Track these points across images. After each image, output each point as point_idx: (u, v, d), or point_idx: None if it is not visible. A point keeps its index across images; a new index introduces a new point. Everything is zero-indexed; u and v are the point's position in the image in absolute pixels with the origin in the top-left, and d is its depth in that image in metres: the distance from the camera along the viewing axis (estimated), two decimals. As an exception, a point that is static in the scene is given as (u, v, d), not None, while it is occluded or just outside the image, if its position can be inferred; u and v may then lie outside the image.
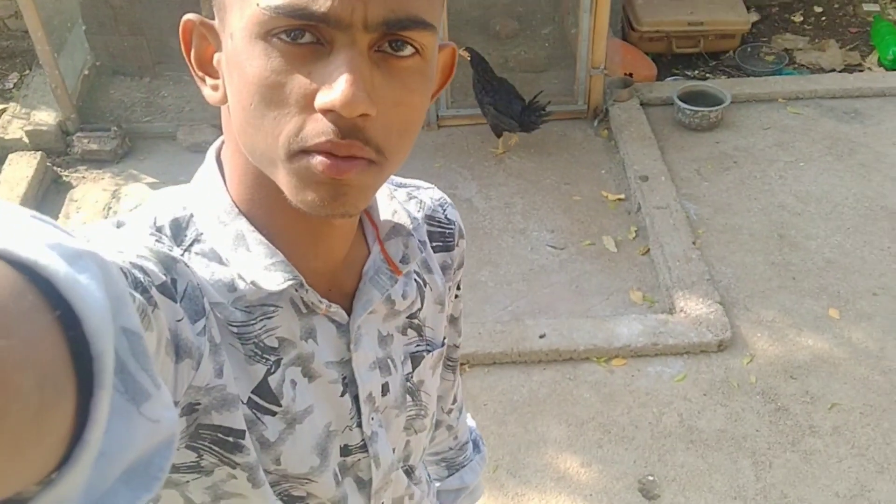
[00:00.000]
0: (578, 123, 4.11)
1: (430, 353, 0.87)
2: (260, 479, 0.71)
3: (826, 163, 3.75)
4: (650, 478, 2.50)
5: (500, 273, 3.25)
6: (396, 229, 0.79)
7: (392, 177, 0.83)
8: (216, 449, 0.68)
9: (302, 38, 0.58)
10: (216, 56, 0.66)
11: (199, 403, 0.65)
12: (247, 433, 0.69)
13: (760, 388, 2.76)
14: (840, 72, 4.43)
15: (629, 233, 3.45)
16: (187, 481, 0.70)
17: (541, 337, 2.91)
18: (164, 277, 0.59)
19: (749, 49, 4.57)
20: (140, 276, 0.55)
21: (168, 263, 0.61)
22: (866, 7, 4.92)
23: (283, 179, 0.62)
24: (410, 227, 0.80)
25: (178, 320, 0.59)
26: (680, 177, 3.68)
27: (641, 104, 4.09)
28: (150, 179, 3.84)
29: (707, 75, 4.49)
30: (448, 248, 0.89)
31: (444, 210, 0.89)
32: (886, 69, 4.42)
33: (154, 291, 0.55)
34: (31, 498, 0.36)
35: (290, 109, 0.59)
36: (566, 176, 3.79)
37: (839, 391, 2.73)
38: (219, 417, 0.67)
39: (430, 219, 0.87)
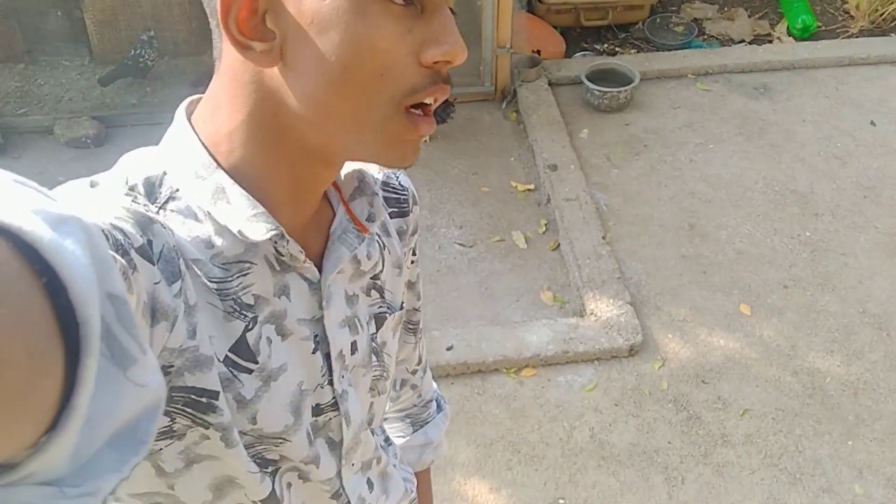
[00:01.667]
0: (486, 106, 3.95)
1: (392, 315, 0.89)
2: (233, 439, 0.71)
3: (736, 144, 3.67)
4: (561, 501, 2.41)
5: (405, 276, 3.10)
6: (361, 189, 0.81)
7: None
8: (189, 411, 0.68)
9: (409, 1, 0.62)
10: (268, 16, 0.63)
11: (171, 366, 0.64)
12: (221, 394, 0.69)
13: (672, 395, 2.69)
14: (749, 43, 4.35)
15: (539, 227, 3.32)
16: (160, 449, 0.70)
17: (448, 349, 2.78)
18: (141, 239, 0.58)
19: (658, 20, 4.45)
20: (120, 237, 0.54)
21: (145, 224, 0.60)
22: (775, -28, 4.84)
23: (370, 139, 0.66)
24: (375, 186, 0.82)
25: (156, 283, 0.58)
26: (590, 164, 3.56)
27: (550, 84, 3.94)
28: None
29: (617, 49, 4.37)
30: (403, 214, 0.91)
31: (398, 177, 0.90)
32: (796, 39, 4.36)
33: (133, 254, 0.55)
34: (19, 463, 0.37)
35: (397, 68, 0.62)
36: (474, 165, 3.63)
37: (751, 395, 2.68)
38: (192, 378, 0.66)
39: (384, 185, 0.89)
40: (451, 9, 0.66)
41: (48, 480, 0.39)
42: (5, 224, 0.36)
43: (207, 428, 0.70)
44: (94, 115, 3.79)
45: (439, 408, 1.19)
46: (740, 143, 3.68)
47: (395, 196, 0.90)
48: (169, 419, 0.68)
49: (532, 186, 3.50)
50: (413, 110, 0.66)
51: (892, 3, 4.41)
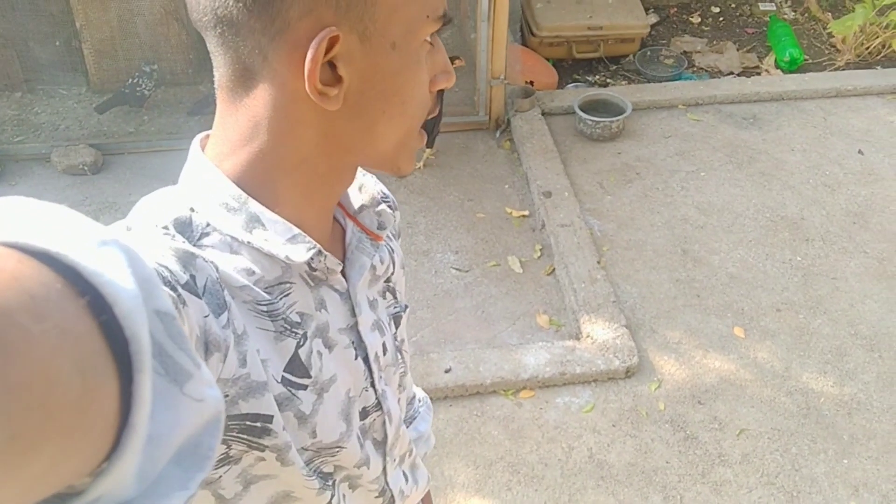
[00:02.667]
0: (480, 135, 4.00)
1: (404, 314, 0.94)
2: (289, 458, 0.73)
3: (727, 171, 3.74)
4: (561, 520, 2.42)
5: (402, 300, 3.12)
6: (365, 203, 0.86)
7: None
8: (244, 437, 0.69)
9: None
10: (341, 64, 0.67)
11: (226, 395, 0.65)
12: (276, 416, 0.70)
13: (669, 415, 2.71)
14: (738, 75, 4.44)
15: (534, 251, 3.36)
16: (219, 476, 0.71)
17: (446, 371, 2.79)
18: (185, 276, 0.59)
19: (649, 53, 4.54)
20: (167, 275, 0.55)
21: (187, 260, 0.61)
22: (762, 6, 4.95)
23: (403, 155, 0.75)
24: (379, 197, 0.87)
25: (206, 316, 0.59)
26: (583, 191, 3.61)
27: (543, 114, 4.01)
28: (25, 207, 3.56)
29: (608, 80, 4.45)
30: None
31: (379, 185, 0.94)
32: (783, 71, 4.45)
33: (181, 290, 0.56)
34: (84, 490, 0.37)
35: (426, 97, 0.73)
36: (469, 192, 3.68)
37: (747, 415, 2.70)
38: (245, 406, 0.67)
39: None
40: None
41: (118, 503, 0.39)
42: (44, 249, 0.37)
43: (263, 451, 0.71)
44: (92, 142, 3.82)
45: (421, 401, 1.23)
46: (731, 171, 3.74)
47: None
48: (225, 446, 0.69)
49: (527, 213, 3.54)
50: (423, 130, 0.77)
51: (877, 37, 4.52)
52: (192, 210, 0.71)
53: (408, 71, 0.70)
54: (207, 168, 0.72)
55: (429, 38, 0.71)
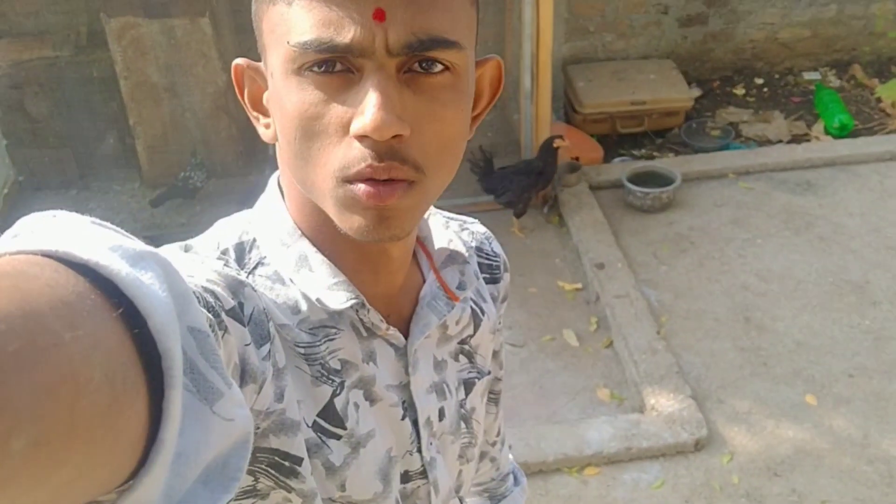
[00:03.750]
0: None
1: (480, 380, 0.88)
2: None
3: (784, 238, 3.64)
4: None
5: (457, 378, 3.04)
6: (452, 257, 0.81)
7: (442, 210, 0.88)
8: (272, 472, 0.67)
9: (333, 69, 0.59)
10: (265, 95, 0.68)
11: (257, 427, 0.63)
12: (305, 460, 0.67)
13: (744, 489, 2.56)
14: (788, 143, 4.38)
15: (590, 324, 3.28)
16: None
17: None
18: (232, 301, 0.58)
19: (694, 125, 4.51)
20: (211, 299, 0.54)
21: (236, 287, 0.60)
22: (807, 76, 4.93)
23: (330, 208, 0.63)
24: (466, 255, 0.82)
25: (246, 345, 0.58)
26: (637, 262, 3.54)
27: (591, 188, 3.97)
28: (79, 299, 3.59)
29: (654, 154, 4.42)
30: (495, 280, 0.91)
31: (490, 243, 0.91)
32: (834, 137, 4.38)
33: (224, 316, 0.55)
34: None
35: (331, 139, 0.60)
36: (520, 267, 3.63)
37: (827, 486, 2.54)
38: (276, 441, 0.65)
39: (478, 251, 0.89)
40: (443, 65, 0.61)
41: None
42: (83, 259, 0.37)
43: (289, 492, 0.68)
44: (146, 234, 3.87)
45: (516, 481, 1.15)
46: (788, 237, 3.65)
47: (487, 262, 0.90)
48: (252, 478, 0.67)
49: (580, 286, 3.47)
50: (358, 182, 0.61)
51: (926, 99, 4.45)
52: (254, 239, 0.71)
53: (282, 103, 0.62)
54: (274, 199, 0.73)
55: (317, 69, 0.59)
